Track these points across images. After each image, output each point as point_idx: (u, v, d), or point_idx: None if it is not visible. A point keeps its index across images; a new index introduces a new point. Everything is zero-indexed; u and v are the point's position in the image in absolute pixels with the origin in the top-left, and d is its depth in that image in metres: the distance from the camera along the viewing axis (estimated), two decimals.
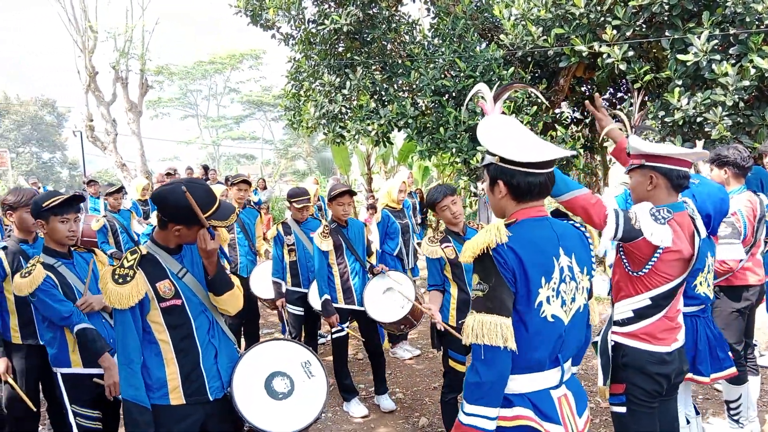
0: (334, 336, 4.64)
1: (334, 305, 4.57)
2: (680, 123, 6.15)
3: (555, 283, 1.85)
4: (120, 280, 2.26)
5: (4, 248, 3.41)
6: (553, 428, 1.85)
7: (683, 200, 2.64)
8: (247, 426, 2.51)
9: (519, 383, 1.87)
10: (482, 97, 2.08)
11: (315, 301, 4.95)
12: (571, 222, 2.04)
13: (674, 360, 2.54)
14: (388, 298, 4.56)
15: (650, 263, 2.41)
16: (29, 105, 44.07)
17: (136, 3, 38.75)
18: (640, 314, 2.52)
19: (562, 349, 1.91)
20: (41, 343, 3.39)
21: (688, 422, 3.25)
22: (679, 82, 6.18)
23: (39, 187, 14.48)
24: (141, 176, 16.81)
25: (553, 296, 1.85)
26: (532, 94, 7.09)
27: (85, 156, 24.08)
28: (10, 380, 3.37)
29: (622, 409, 2.54)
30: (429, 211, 5.10)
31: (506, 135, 1.91)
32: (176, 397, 2.38)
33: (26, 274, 2.90)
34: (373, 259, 5.17)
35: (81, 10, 18.16)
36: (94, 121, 18.29)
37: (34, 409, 3.37)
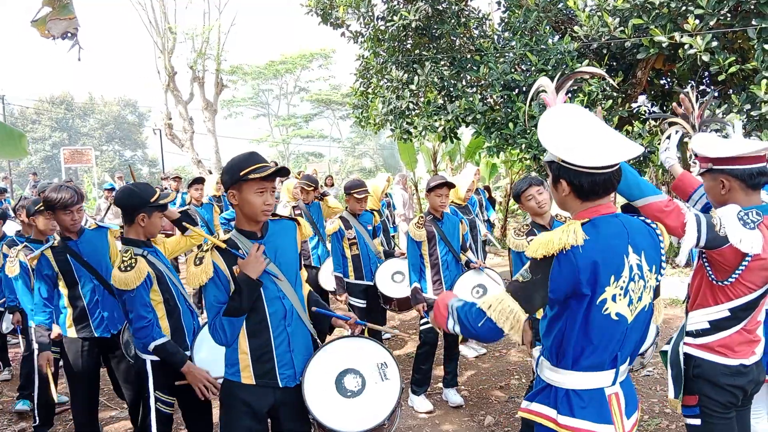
0: (422, 328, 4.65)
1: (424, 295, 4.60)
2: (767, 117, 5.80)
3: (624, 282, 1.78)
4: (197, 262, 2.40)
5: (52, 247, 3.47)
6: (604, 429, 1.81)
7: None
8: (311, 418, 2.53)
9: (575, 379, 1.85)
10: (545, 90, 1.99)
11: (382, 287, 5.08)
12: (642, 218, 1.95)
13: (750, 372, 2.39)
14: (475, 294, 4.54)
15: (737, 272, 2.25)
16: (112, 105, 46.56)
17: (213, 5, 40.16)
18: (716, 326, 2.38)
19: (622, 348, 1.85)
20: (96, 335, 3.49)
21: None
22: (767, 74, 5.82)
23: (124, 183, 15.29)
24: (216, 173, 17.39)
25: (620, 295, 1.79)
26: (607, 88, 6.85)
27: (163, 153, 25.17)
28: (46, 370, 3.51)
29: (697, 422, 2.42)
30: (494, 209, 5.06)
31: (568, 134, 1.82)
32: (247, 376, 2.46)
33: (128, 268, 2.90)
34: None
35: (161, 13, 18.98)
36: (173, 120, 19.10)
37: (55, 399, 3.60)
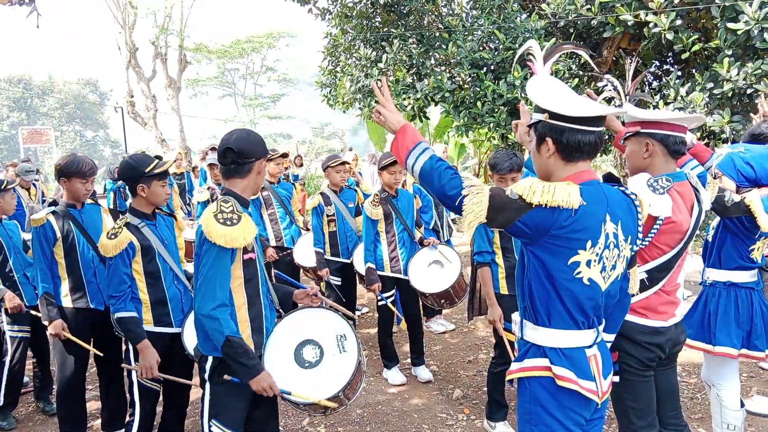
0: (380, 304, 4.69)
1: (380, 273, 4.62)
2: (729, 95, 5.93)
3: (600, 249, 1.82)
4: (228, 223, 2.30)
5: (54, 212, 3.48)
6: (588, 384, 1.86)
7: (686, 172, 2.53)
8: None
9: (554, 337, 1.88)
10: (532, 55, 2.01)
11: (360, 266, 5.05)
12: (621, 189, 1.98)
13: (668, 331, 2.47)
14: (433, 270, 4.59)
15: (650, 235, 2.33)
16: (72, 84, 45.13)
17: None
18: None
19: (598, 313, 1.91)
20: (91, 306, 3.52)
21: (743, 405, 3.16)
22: (729, 52, 5.94)
23: None
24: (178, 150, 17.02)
25: (595, 261, 1.82)
26: (573, 67, 6.91)
27: (126, 133, 24.58)
28: (69, 335, 3.47)
29: (615, 378, 2.49)
30: None
31: (558, 90, 1.88)
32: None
33: (112, 236, 2.99)
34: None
35: None
36: (135, 97, 18.62)
37: (100, 354, 3.55)
